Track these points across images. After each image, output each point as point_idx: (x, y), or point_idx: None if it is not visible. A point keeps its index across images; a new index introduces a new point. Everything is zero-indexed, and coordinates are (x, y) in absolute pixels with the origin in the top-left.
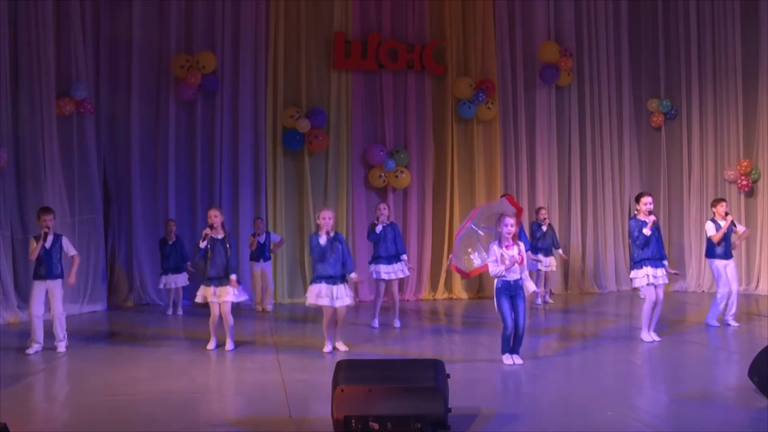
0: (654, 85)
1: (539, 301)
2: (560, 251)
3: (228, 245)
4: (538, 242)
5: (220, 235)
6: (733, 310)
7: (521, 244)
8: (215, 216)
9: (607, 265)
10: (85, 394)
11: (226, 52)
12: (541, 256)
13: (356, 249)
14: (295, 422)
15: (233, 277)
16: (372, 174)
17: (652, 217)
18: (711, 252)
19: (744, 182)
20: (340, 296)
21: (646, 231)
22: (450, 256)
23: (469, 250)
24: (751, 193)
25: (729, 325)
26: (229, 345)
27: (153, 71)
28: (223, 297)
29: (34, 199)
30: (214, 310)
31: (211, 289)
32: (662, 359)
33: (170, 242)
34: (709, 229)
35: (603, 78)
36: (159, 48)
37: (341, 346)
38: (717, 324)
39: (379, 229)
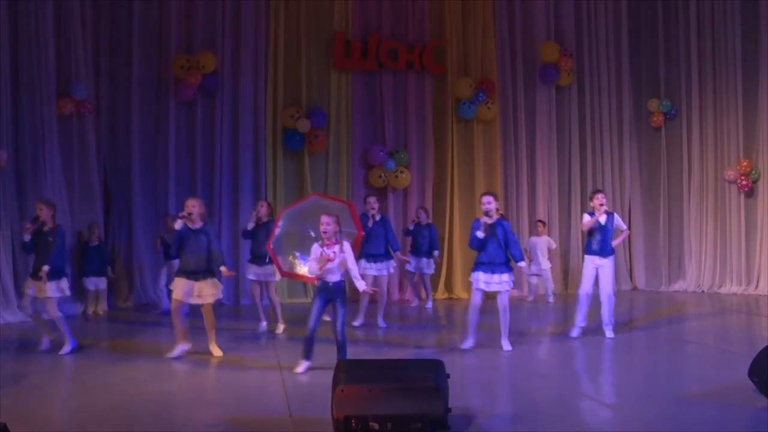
0: (654, 85)
1: (415, 303)
2: (436, 254)
3: (51, 238)
4: (412, 241)
5: (47, 227)
6: (607, 317)
7: (345, 243)
8: (40, 209)
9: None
10: (84, 394)
11: (226, 52)
12: (409, 257)
13: None
14: (295, 422)
15: (45, 268)
16: (372, 174)
17: (485, 218)
18: (587, 247)
19: (744, 182)
20: (201, 293)
21: (480, 233)
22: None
23: (296, 253)
24: (751, 193)
25: (605, 335)
26: (66, 346)
27: (153, 71)
28: (40, 292)
29: (34, 199)
30: (25, 303)
31: (29, 282)
32: (662, 359)
33: (91, 244)
34: (584, 220)
35: (603, 78)
36: (159, 48)
37: (215, 351)
38: (577, 334)
39: (250, 226)
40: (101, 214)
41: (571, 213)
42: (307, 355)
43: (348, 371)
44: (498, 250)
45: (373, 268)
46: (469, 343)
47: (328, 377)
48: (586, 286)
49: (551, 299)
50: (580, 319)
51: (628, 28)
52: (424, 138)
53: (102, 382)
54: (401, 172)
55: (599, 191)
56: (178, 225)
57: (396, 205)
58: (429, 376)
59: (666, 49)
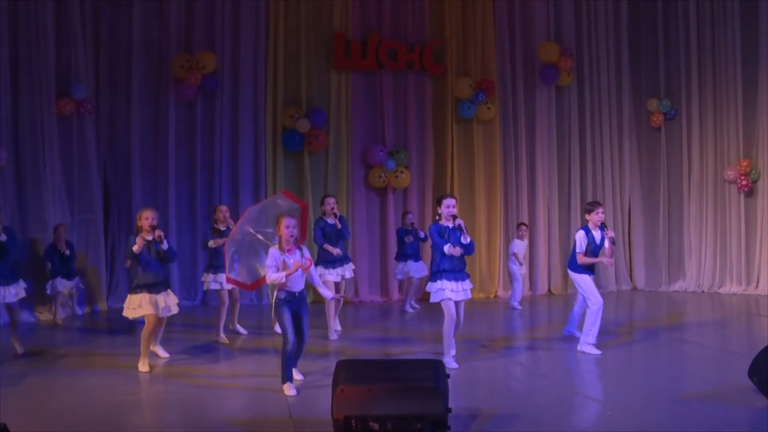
0: (654, 85)
1: (407, 307)
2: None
3: None
4: (405, 248)
5: None
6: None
7: (304, 248)
8: None
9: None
10: (85, 394)
11: (226, 52)
12: (410, 263)
13: (355, 248)
14: (295, 422)
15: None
16: (372, 174)
17: (459, 221)
18: (578, 266)
19: (744, 182)
20: (167, 303)
21: (447, 249)
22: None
23: (243, 257)
24: (750, 193)
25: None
26: None
27: (153, 71)
28: None
29: (34, 199)
30: None
31: None
32: (662, 359)
33: (60, 249)
34: (580, 241)
35: (603, 78)
36: (159, 48)
37: (162, 353)
38: (597, 350)
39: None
40: (101, 214)
41: (570, 213)
42: (290, 375)
43: (348, 371)
44: (460, 256)
45: (333, 274)
46: (454, 363)
47: (328, 377)
48: (599, 297)
49: (518, 306)
50: (594, 333)
51: (628, 28)
52: (424, 138)
53: (102, 382)
54: (401, 172)
55: (600, 204)
56: (137, 248)
57: (396, 205)
58: (429, 376)
59: (666, 49)
